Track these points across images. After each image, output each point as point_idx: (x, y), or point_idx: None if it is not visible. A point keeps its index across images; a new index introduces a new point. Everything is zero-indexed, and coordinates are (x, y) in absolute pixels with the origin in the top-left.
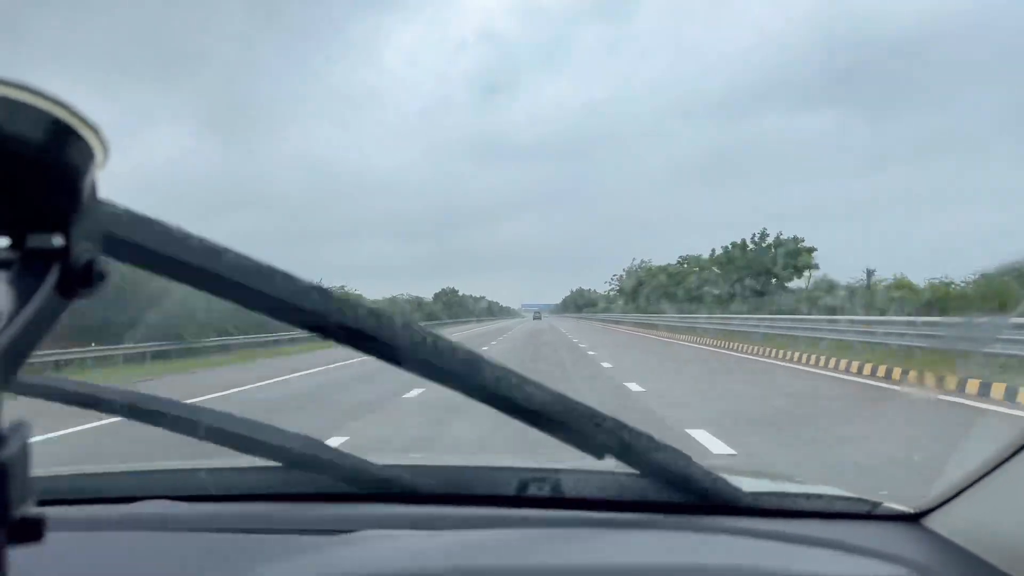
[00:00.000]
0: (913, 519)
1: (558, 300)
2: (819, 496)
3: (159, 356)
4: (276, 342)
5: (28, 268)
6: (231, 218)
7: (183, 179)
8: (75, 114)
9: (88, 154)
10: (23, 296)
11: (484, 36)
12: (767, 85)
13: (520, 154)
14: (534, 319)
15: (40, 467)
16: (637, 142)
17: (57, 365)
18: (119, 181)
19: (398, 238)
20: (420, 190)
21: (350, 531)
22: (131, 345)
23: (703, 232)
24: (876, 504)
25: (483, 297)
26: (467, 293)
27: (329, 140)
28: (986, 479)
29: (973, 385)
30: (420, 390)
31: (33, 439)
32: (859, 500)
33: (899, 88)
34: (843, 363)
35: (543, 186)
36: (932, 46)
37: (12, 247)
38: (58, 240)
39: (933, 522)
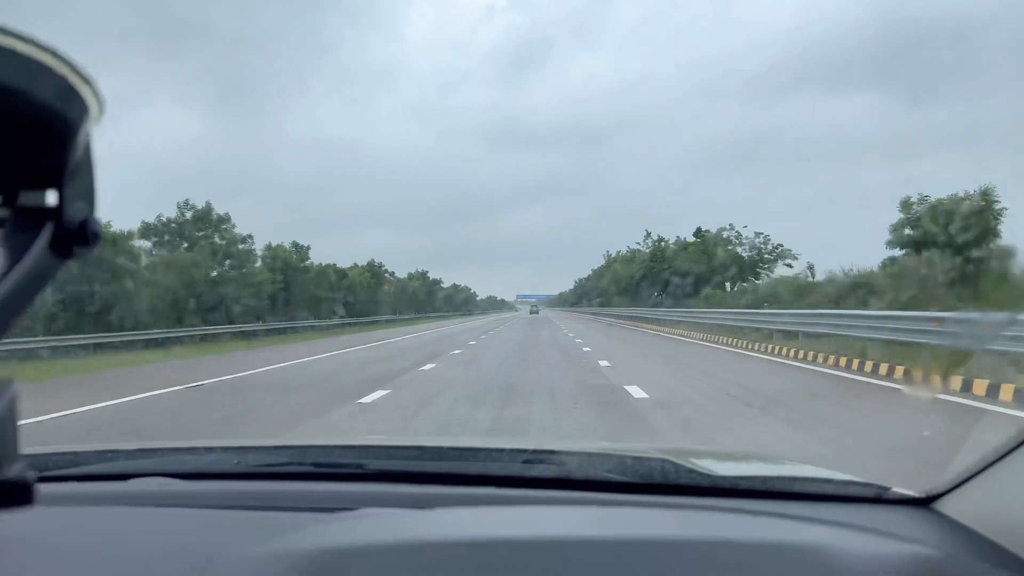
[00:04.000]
0: (923, 504)
1: (557, 291)
2: (830, 480)
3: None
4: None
5: (20, 226)
6: (234, 204)
7: (184, 160)
8: (71, 67)
9: (83, 109)
10: (15, 254)
11: (515, 1)
12: (807, 63)
13: (540, 138)
14: (531, 313)
15: (39, 445)
16: (664, 126)
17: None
18: (119, 162)
19: (405, 227)
20: (431, 177)
21: (349, 509)
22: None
23: (727, 219)
24: (886, 488)
25: (435, 281)
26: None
27: (338, 121)
28: (997, 465)
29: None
30: (433, 364)
31: (37, 419)
32: (869, 485)
33: (947, 72)
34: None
35: (559, 173)
36: (989, 29)
37: (4, 204)
38: (51, 198)
39: (943, 506)
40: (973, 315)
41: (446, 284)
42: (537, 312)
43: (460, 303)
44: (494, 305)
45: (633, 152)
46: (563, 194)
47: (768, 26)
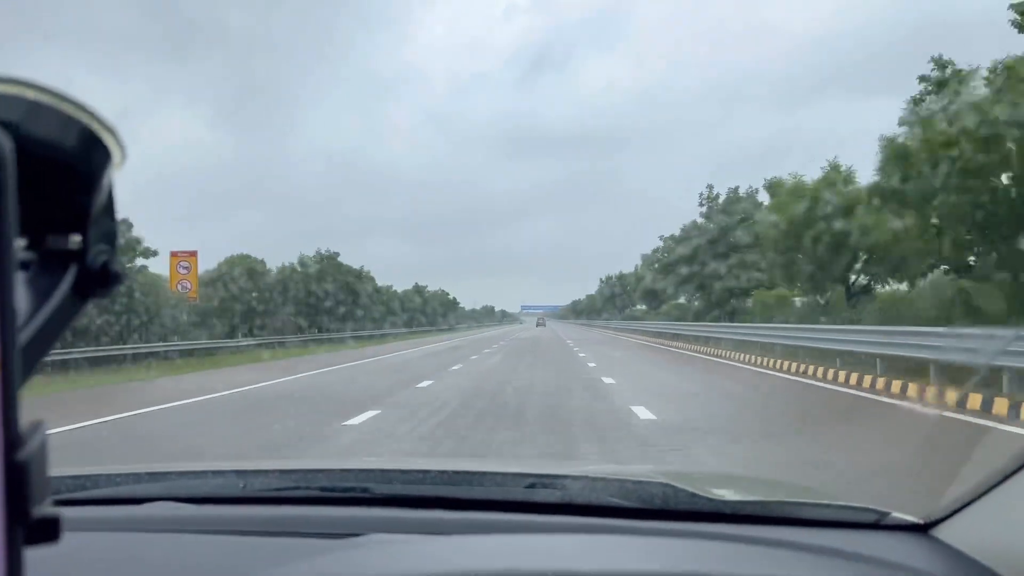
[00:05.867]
0: (922, 529)
1: (565, 301)
2: (827, 505)
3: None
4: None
5: (46, 268)
6: (242, 213)
7: (194, 168)
8: (95, 117)
9: (106, 156)
10: (41, 296)
11: (536, 1)
12: (831, 66)
13: (555, 144)
14: (537, 326)
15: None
16: (683, 132)
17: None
18: (127, 170)
19: (413, 236)
20: (442, 186)
21: (357, 534)
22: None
23: None
24: (884, 514)
25: (360, 276)
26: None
27: (350, 129)
28: (995, 491)
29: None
30: (429, 382)
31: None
32: (867, 510)
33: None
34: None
35: (571, 181)
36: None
37: (30, 247)
38: (75, 241)
39: (942, 533)
40: None
41: (389, 286)
42: (544, 324)
43: (426, 313)
44: (489, 316)
45: (649, 159)
46: (574, 203)
47: (791, 29)
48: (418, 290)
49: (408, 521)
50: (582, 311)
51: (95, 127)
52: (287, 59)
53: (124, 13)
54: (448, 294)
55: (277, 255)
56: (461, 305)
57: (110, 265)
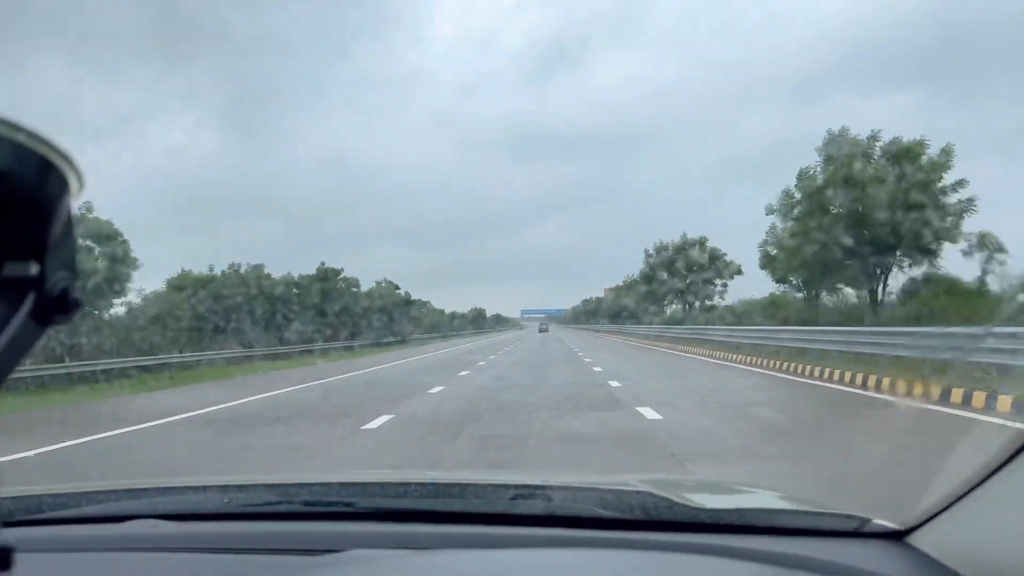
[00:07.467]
0: (899, 536)
1: (568, 306)
2: (805, 513)
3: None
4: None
5: (4, 296)
6: (241, 222)
7: (192, 175)
8: (51, 146)
9: (63, 184)
10: None
11: None
12: (854, 58)
13: (564, 146)
14: (540, 331)
15: (22, 486)
16: (695, 132)
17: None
18: (124, 178)
19: (417, 242)
20: (449, 190)
21: (338, 551)
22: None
23: (755, 232)
24: (865, 520)
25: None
26: None
27: (353, 133)
28: (970, 495)
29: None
30: (441, 387)
31: (14, 456)
32: (847, 517)
33: (994, 72)
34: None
35: (580, 184)
36: None
37: None
38: (34, 268)
39: (918, 540)
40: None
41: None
42: (547, 330)
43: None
44: (478, 322)
45: (660, 160)
46: (581, 206)
47: (809, 24)
48: (321, 277)
49: (390, 536)
50: (590, 314)
51: (51, 156)
52: (291, 63)
53: (123, 14)
54: (398, 288)
55: (278, 263)
56: (438, 307)
57: (70, 292)
